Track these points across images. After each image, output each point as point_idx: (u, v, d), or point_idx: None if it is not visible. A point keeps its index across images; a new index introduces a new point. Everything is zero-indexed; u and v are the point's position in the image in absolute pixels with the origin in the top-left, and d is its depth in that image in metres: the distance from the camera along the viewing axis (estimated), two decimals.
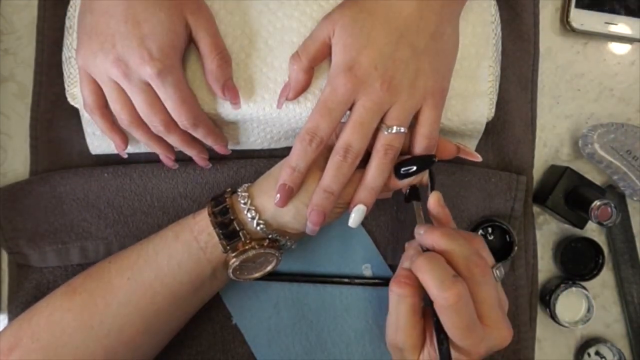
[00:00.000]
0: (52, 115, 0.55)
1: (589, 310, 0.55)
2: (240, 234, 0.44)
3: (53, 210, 0.52)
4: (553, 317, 0.55)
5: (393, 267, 0.54)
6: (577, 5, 0.57)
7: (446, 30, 0.45)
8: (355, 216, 0.44)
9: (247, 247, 0.44)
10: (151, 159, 0.54)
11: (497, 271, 0.41)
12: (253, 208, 0.44)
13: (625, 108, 0.59)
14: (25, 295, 0.53)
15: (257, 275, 0.48)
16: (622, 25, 0.57)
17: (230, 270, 0.45)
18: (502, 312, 0.40)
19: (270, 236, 0.45)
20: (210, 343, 0.53)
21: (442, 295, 0.37)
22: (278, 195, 0.43)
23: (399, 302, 0.40)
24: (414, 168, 0.44)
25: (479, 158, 0.47)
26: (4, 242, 0.53)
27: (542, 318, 0.57)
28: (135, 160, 0.54)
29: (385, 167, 0.43)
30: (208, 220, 0.45)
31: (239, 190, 0.46)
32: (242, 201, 0.45)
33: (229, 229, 0.44)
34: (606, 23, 0.57)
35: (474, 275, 0.38)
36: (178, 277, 0.44)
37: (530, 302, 0.55)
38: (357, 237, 0.54)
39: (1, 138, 0.56)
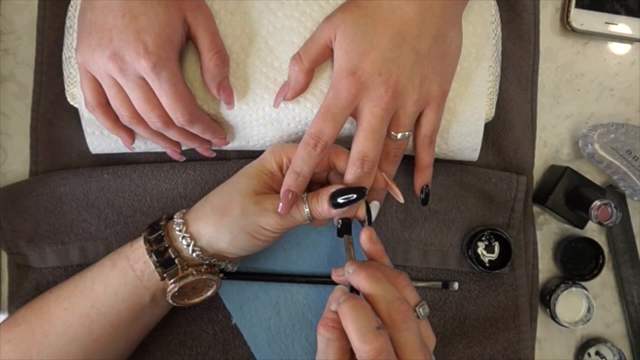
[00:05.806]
0: (52, 115, 0.55)
1: (589, 310, 0.55)
2: (176, 261, 0.43)
3: (53, 211, 0.52)
4: (553, 317, 0.54)
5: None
6: (577, 5, 0.57)
7: (449, 33, 0.45)
8: (374, 213, 0.46)
9: (184, 274, 0.44)
10: (151, 160, 0.54)
11: (421, 309, 0.40)
12: (188, 235, 0.44)
13: (625, 108, 0.59)
14: (25, 295, 0.53)
15: (197, 300, 0.47)
16: (622, 25, 0.57)
17: (169, 297, 0.44)
18: (424, 353, 0.39)
19: (207, 262, 0.45)
20: (210, 343, 0.53)
21: (363, 349, 0.36)
22: (280, 203, 0.42)
23: (327, 345, 0.39)
24: (354, 196, 0.42)
25: (401, 199, 0.46)
26: (4, 243, 0.53)
27: (542, 318, 0.57)
28: (135, 160, 0.54)
29: (394, 170, 0.47)
30: (144, 248, 0.44)
31: (175, 216, 0.46)
32: (177, 228, 0.44)
33: (164, 257, 0.43)
34: (606, 23, 0.57)
35: (395, 322, 0.38)
36: (115, 306, 0.44)
37: (530, 302, 0.55)
38: (357, 237, 0.54)
39: (1, 138, 0.56)
